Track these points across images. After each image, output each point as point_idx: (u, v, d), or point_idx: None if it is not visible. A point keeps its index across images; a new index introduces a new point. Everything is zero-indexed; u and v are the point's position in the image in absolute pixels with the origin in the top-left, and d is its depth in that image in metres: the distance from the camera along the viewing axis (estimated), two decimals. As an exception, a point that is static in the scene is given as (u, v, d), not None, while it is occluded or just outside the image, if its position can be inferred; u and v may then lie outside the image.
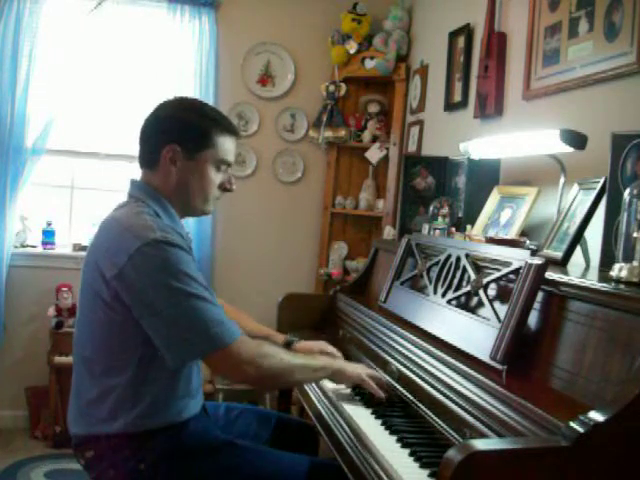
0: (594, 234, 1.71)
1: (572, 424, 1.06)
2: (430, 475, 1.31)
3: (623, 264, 1.34)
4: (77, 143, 3.71)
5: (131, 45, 3.68)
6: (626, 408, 1.04)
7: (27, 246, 3.61)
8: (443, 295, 1.80)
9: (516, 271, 1.51)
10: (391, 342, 1.92)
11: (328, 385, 1.86)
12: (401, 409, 1.70)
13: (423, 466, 1.36)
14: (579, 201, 1.78)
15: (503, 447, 1.06)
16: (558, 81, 2.14)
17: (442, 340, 1.68)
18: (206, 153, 1.59)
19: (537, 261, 1.45)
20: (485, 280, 1.62)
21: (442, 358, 1.60)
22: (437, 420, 1.52)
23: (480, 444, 1.04)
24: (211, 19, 3.65)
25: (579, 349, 1.30)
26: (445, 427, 1.47)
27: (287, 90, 3.84)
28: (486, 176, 2.40)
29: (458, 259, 1.80)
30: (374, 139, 3.76)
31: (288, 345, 1.99)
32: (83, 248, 3.61)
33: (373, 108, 3.78)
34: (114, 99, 3.71)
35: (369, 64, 3.71)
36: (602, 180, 1.69)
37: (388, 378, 1.81)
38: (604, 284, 1.29)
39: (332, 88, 3.75)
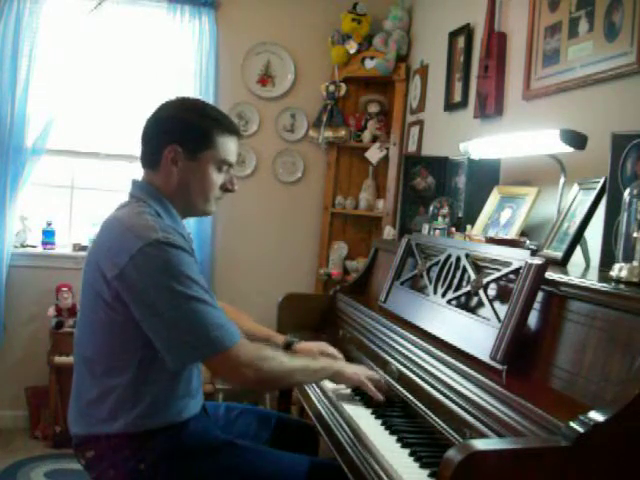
0: (594, 234, 1.71)
1: (572, 424, 1.06)
2: (430, 475, 1.31)
3: (623, 264, 1.34)
4: (77, 143, 3.71)
5: (131, 45, 3.68)
6: (626, 408, 1.05)
7: (27, 246, 3.61)
8: (443, 295, 1.80)
9: (516, 271, 1.51)
10: (391, 342, 1.92)
11: (328, 385, 1.86)
12: (401, 409, 1.70)
13: (423, 466, 1.36)
14: (579, 201, 1.78)
15: (503, 447, 1.06)
16: (558, 81, 2.14)
17: (442, 340, 1.68)
18: (207, 153, 1.59)
19: (537, 261, 1.45)
20: (485, 280, 1.62)
21: (442, 358, 1.60)
22: (437, 420, 1.52)
23: (480, 444, 1.04)
24: (211, 19, 3.65)
25: (579, 349, 1.30)
26: (445, 427, 1.47)
27: (287, 90, 3.84)
28: (486, 176, 2.40)
29: (458, 259, 1.80)
30: (374, 139, 3.76)
31: (288, 346, 1.99)
32: (83, 248, 3.61)
33: (373, 108, 3.78)
34: (114, 99, 3.70)
35: (369, 64, 3.71)
36: (602, 180, 1.69)
37: (388, 378, 1.81)
38: (604, 284, 1.29)
39: (332, 88, 3.75)
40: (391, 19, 3.64)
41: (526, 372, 1.41)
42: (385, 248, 2.63)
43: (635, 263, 1.31)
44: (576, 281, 1.35)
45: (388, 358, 1.89)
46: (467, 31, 2.88)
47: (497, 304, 1.58)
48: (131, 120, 3.61)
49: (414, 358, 1.74)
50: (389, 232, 3.14)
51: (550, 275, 1.43)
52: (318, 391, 1.89)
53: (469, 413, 1.40)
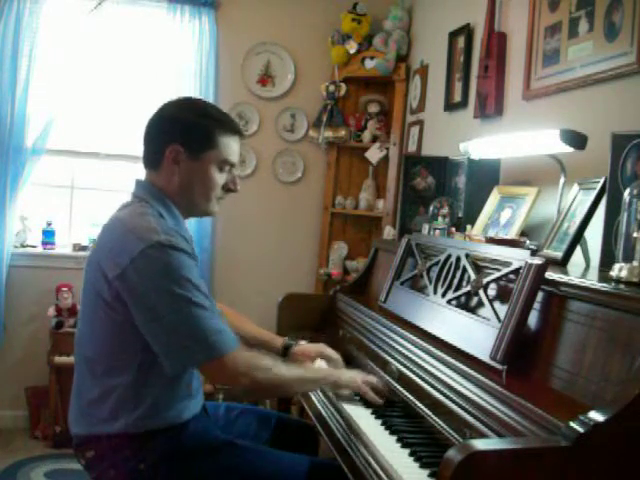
0: (594, 234, 1.71)
1: (572, 424, 1.06)
2: (430, 475, 1.31)
3: (623, 264, 1.34)
4: (77, 143, 3.71)
5: (131, 45, 3.68)
6: (626, 408, 1.05)
7: (27, 246, 3.61)
8: (443, 295, 1.80)
9: (516, 271, 1.51)
10: (391, 342, 1.92)
11: (328, 385, 1.86)
12: (401, 409, 1.70)
13: (423, 466, 1.36)
14: (579, 201, 1.78)
15: (503, 447, 1.07)
16: (558, 81, 2.14)
17: (442, 340, 1.68)
18: (209, 153, 1.59)
19: (537, 261, 1.45)
20: (485, 280, 1.62)
21: (442, 358, 1.60)
22: (437, 420, 1.52)
23: (480, 444, 1.04)
24: (211, 19, 3.65)
25: (579, 349, 1.30)
26: (445, 427, 1.47)
27: (287, 90, 3.84)
28: (486, 176, 2.40)
29: (458, 259, 1.80)
30: (374, 139, 3.76)
31: (287, 349, 1.98)
32: (83, 248, 3.61)
33: (373, 108, 3.78)
34: (114, 99, 3.70)
35: (369, 64, 3.71)
36: (602, 180, 1.69)
37: (388, 378, 1.81)
38: (604, 284, 1.29)
39: (332, 88, 3.75)
40: (391, 19, 3.64)
41: (526, 372, 1.41)
42: (385, 248, 2.63)
43: (635, 263, 1.31)
44: (576, 281, 1.35)
45: (388, 358, 1.88)
46: (467, 31, 2.88)
47: (497, 304, 1.58)
48: (131, 120, 3.61)
49: (414, 358, 1.74)
50: (389, 232, 3.14)
51: (550, 275, 1.43)
52: (318, 391, 1.89)
53: (469, 413, 1.40)
